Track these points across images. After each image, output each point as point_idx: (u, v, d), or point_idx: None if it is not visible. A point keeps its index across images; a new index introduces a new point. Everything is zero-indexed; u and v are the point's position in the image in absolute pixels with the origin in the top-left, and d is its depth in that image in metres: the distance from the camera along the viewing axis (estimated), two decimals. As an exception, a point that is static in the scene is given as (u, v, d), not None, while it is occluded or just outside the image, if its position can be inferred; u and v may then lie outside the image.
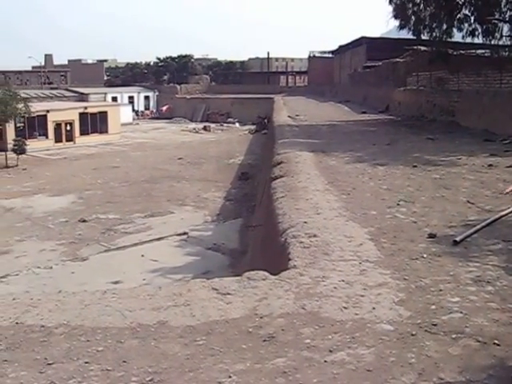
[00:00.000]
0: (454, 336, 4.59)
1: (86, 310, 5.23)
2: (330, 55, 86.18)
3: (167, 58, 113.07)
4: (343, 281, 5.77)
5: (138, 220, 26.81)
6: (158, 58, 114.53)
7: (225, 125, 75.79)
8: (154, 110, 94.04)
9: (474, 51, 29.29)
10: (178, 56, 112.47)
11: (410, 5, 27.03)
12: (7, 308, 5.38)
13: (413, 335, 4.61)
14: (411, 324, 4.82)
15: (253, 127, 67.87)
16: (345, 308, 5.11)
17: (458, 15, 26.56)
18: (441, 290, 5.60)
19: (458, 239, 7.26)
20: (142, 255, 21.41)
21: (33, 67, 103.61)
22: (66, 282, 18.80)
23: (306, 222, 7.96)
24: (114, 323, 4.93)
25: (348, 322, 4.85)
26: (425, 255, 6.74)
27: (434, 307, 5.18)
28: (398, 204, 9.64)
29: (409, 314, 5.01)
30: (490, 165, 13.86)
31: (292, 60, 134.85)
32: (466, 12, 26.48)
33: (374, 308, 5.12)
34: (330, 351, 4.36)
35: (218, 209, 29.03)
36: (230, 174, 38.79)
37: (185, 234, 24.09)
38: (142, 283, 18.29)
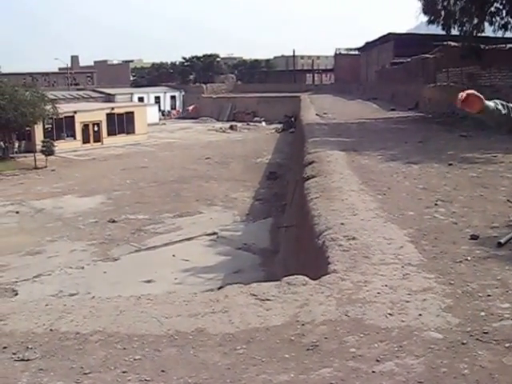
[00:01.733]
0: (507, 345, 4.36)
1: (121, 317, 5.09)
2: (357, 52, 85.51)
3: (193, 57, 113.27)
4: (386, 285, 5.56)
5: (168, 220, 26.82)
6: (184, 58, 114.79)
7: (251, 124, 75.61)
8: (181, 110, 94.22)
9: (504, 45, 28.87)
10: (204, 55, 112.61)
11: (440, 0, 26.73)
12: (41, 314, 5.26)
13: (463, 344, 4.39)
14: (461, 332, 4.60)
15: (279, 126, 67.66)
16: (390, 315, 4.90)
17: (490, 9, 26.22)
18: (489, 296, 5.36)
19: (502, 241, 6.98)
20: (173, 255, 21.42)
21: (59, 69, 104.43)
22: (98, 281, 18.90)
23: (343, 224, 7.76)
24: (151, 330, 4.79)
25: (394, 330, 4.64)
26: (469, 258, 6.50)
27: (483, 314, 4.95)
28: (436, 204, 9.39)
29: (457, 322, 4.79)
30: (528, 162, 13.53)
31: (318, 58, 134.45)
32: (498, 5, 26.15)
33: (420, 315, 4.90)
34: (378, 361, 4.16)
35: (247, 208, 28.93)
36: (258, 173, 38.64)
37: (214, 233, 24.05)
38: (174, 282, 18.30)
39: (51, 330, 4.89)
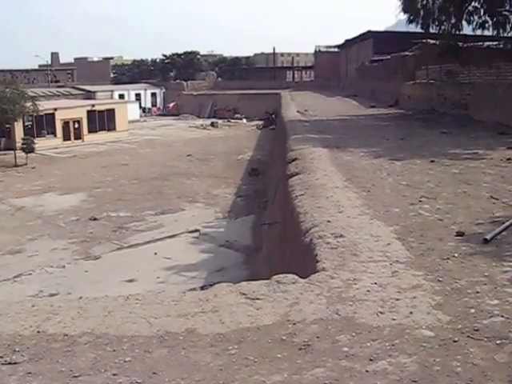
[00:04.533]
0: (498, 342, 4.37)
1: (110, 318, 5.03)
2: (336, 50, 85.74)
3: (173, 54, 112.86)
4: (376, 283, 5.55)
5: (150, 217, 26.72)
6: (164, 55, 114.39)
7: (232, 121, 75.61)
8: (161, 107, 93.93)
9: (481, 43, 29.03)
10: (184, 53, 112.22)
11: (419, -2, 26.80)
12: (27, 315, 5.19)
13: (455, 341, 4.39)
14: (452, 329, 4.60)
15: (260, 123, 67.70)
16: (381, 313, 4.89)
17: (468, 8, 26.31)
18: (478, 292, 5.37)
19: (488, 237, 7.02)
20: (155, 253, 21.33)
21: (39, 66, 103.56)
22: (79, 281, 18.75)
23: (329, 221, 7.75)
24: (140, 331, 4.73)
25: (386, 328, 4.63)
26: (456, 255, 6.51)
27: (473, 311, 4.96)
28: (420, 201, 9.42)
29: (448, 319, 4.79)
30: (509, 158, 13.60)
31: (297, 55, 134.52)
32: (476, 4, 26.23)
33: (411, 312, 4.90)
34: (371, 360, 4.14)
35: (229, 205, 28.89)
36: (240, 170, 38.63)
37: (197, 231, 23.99)
38: (157, 281, 18.21)
39: (38, 331, 4.82)
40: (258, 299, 5.25)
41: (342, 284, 5.56)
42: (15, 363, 4.30)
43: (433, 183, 10.99)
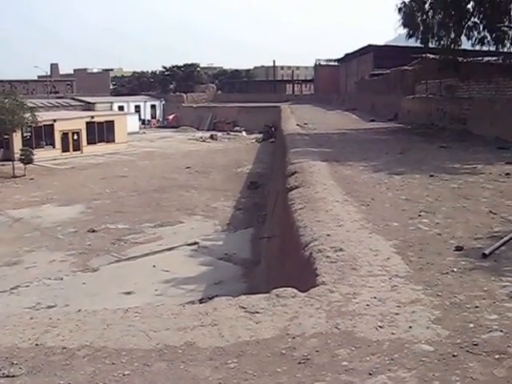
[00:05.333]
0: (497, 356, 4.36)
1: (109, 331, 5.02)
2: (336, 63, 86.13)
3: (173, 67, 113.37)
4: (375, 298, 5.55)
5: (148, 230, 26.71)
6: (164, 67, 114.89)
7: (231, 133, 75.79)
8: (161, 119, 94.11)
9: (481, 58, 29.14)
10: (184, 65, 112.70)
11: (419, 13, 26.91)
12: (25, 328, 5.16)
13: (454, 356, 4.38)
14: (451, 344, 4.59)
15: (260, 136, 67.84)
16: (380, 327, 4.89)
17: (467, 23, 26.43)
18: (477, 307, 5.37)
19: (486, 252, 7.02)
20: (154, 265, 21.31)
21: (39, 77, 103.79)
22: (77, 293, 18.71)
23: (329, 235, 7.75)
24: (139, 345, 4.72)
25: (385, 343, 4.62)
26: (455, 269, 6.51)
27: (472, 325, 4.95)
28: (420, 215, 9.42)
29: (447, 333, 4.78)
30: (508, 173, 13.62)
31: (298, 68, 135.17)
32: (475, 20, 26.35)
33: (410, 327, 4.89)
34: (370, 374, 4.13)
35: (228, 218, 28.89)
36: (239, 183, 38.66)
37: (195, 243, 23.98)
38: (155, 294, 18.18)
39: (37, 344, 4.79)
40: (257, 313, 5.24)
41: (341, 298, 5.56)
42: (13, 376, 4.27)
43: (432, 198, 11.00)
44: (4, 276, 20.82)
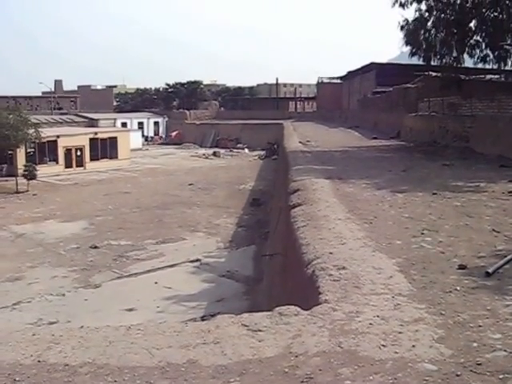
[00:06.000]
0: (501, 376, 4.34)
1: (111, 348, 5.00)
2: (339, 81, 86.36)
3: (176, 84, 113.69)
4: (378, 316, 5.53)
5: (150, 246, 26.71)
6: (168, 84, 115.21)
7: (234, 150, 75.94)
8: (164, 136, 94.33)
9: (483, 76, 29.27)
10: (187, 82, 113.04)
11: (422, 31, 27.05)
12: (28, 344, 5.15)
13: (458, 376, 4.36)
14: (454, 363, 4.57)
15: (262, 153, 67.96)
16: (383, 346, 4.87)
17: (470, 41, 26.57)
18: (480, 326, 5.35)
19: (490, 271, 7.01)
20: (156, 282, 21.30)
21: (43, 93, 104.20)
22: (79, 309, 18.70)
23: (331, 253, 7.74)
24: (142, 362, 4.70)
25: (388, 362, 4.60)
26: (458, 288, 6.49)
27: (475, 345, 4.93)
28: (423, 233, 9.41)
29: (451, 353, 4.76)
30: (511, 191, 13.59)
31: (300, 86, 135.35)
32: (477, 38, 26.49)
33: (413, 346, 4.87)
34: (373, 394, 4.12)
35: (231, 235, 28.88)
36: (241, 199, 38.69)
37: (198, 260, 23.98)
38: (157, 310, 18.14)
39: (39, 361, 4.78)
40: (260, 331, 5.23)
41: (344, 316, 5.54)
42: (16, 393, 4.27)
43: (435, 216, 10.97)
44: (6, 291, 20.83)
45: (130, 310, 18.46)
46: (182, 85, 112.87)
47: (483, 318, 5.57)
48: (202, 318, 15.11)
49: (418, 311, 5.73)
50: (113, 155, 60.07)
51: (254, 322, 5.42)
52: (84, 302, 19.68)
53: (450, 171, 18.35)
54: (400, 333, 5.14)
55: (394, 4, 26.97)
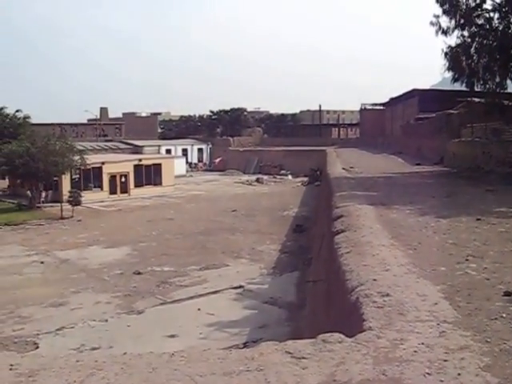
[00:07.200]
0: (549, 406, 4.25)
1: (154, 374, 5.01)
2: (382, 107, 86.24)
3: (220, 111, 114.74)
4: (423, 344, 5.45)
5: (193, 273, 26.81)
6: (211, 111, 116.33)
7: (277, 177, 76.14)
8: (208, 163, 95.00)
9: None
10: (231, 109, 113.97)
11: (464, 57, 26.96)
12: (71, 370, 5.17)
13: (504, 405, 4.29)
14: (501, 392, 4.49)
15: (305, 179, 67.99)
16: (428, 374, 4.79)
17: (512, 67, 26.43)
18: (527, 354, 5.25)
19: (536, 298, 6.89)
20: (199, 309, 21.33)
21: (88, 120, 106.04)
22: (121, 335, 18.82)
23: (375, 280, 7.68)
24: (185, 388, 4.71)
25: (433, 390, 4.54)
26: (504, 315, 6.38)
27: (522, 373, 4.84)
28: (467, 259, 9.28)
29: (497, 381, 4.66)
30: (557, 217, 13.38)
31: (343, 112, 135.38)
32: (520, 63, 26.33)
33: (459, 374, 4.78)
34: (418, 423, 4.06)
35: (274, 261, 28.85)
36: (284, 226, 38.64)
37: (241, 287, 23.98)
38: (199, 337, 18.15)
39: (82, 387, 4.82)
40: (303, 358, 5.19)
41: (388, 344, 5.48)
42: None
43: (479, 242, 10.82)
44: (50, 317, 21.09)
45: (173, 336, 18.49)
46: (226, 112, 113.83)
47: (530, 347, 5.46)
48: (245, 345, 15.08)
49: (463, 338, 5.64)
50: (157, 182, 60.73)
51: (298, 349, 5.39)
52: (127, 328, 19.79)
53: (493, 197, 18.10)
54: (445, 361, 5.06)
55: (437, 32, 26.98)
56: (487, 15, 26.30)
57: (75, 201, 45.36)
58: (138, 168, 59.43)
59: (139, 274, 26.80)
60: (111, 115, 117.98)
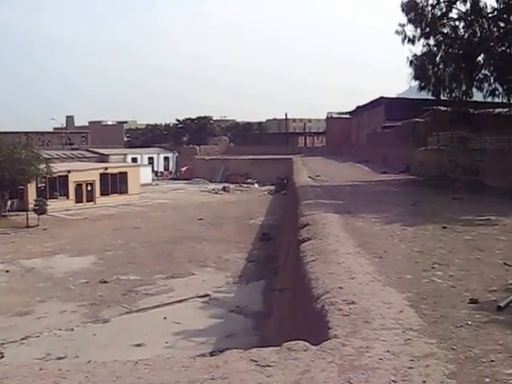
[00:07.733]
0: (514, 413, 4.27)
1: (118, 383, 4.94)
2: (348, 116, 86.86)
3: (186, 119, 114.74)
4: (388, 351, 5.44)
5: (160, 281, 26.65)
6: (178, 120, 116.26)
7: (244, 185, 76.15)
8: (174, 171, 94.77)
9: (492, 109, 29.33)
10: (197, 117, 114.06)
11: (430, 66, 27.21)
12: (34, 379, 5.09)
13: (470, 412, 4.29)
14: (466, 400, 4.50)
15: (272, 188, 68.08)
16: (394, 382, 4.78)
17: (478, 75, 26.70)
18: (492, 361, 5.27)
19: (501, 305, 6.94)
20: (165, 317, 21.20)
21: (54, 128, 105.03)
22: (87, 344, 18.60)
23: (341, 288, 7.67)
24: (149, 397, 4.65)
25: (399, 398, 4.53)
26: (469, 322, 6.42)
27: (488, 380, 4.84)
28: (433, 267, 9.33)
29: (462, 389, 4.69)
30: (522, 225, 13.54)
31: (309, 121, 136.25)
32: (486, 72, 26.63)
33: (424, 381, 4.78)
34: (383, 431, 4.04)
35: (240, 270, 28.78)
36: (251, 234, 38.61)
37: (207, 295, 23.88)
38: (165, 346, 18.01)
39: (45, 396, 4.73)
40: (268, 366, 5.15)
41: (354, 351, 5.47)
42: (21, 429, 4.22)
43: (445, 250, 10.91)
44: (15, 326, 20.78)
45: (139, 345, 18.32)
46: (192, 120, 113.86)
47: (495, 353, 5.48)
48: (211, 354, 14.98)
49: (428, 346, 5.65)
50: (123, 190, 60.42)
51: (263, 358, 5.35)
52: (93, 337, 19.57)
53: (459, 205, 18.29)
54: (410, 368, 5.06)
55: (403, 40, 27.17)
56: (453, 24, 26.55)
57: (41, 209, 44.86)
58: (104, 176, 59.10)
59: (105, 282, 26.56)
60: (77, 124, 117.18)
